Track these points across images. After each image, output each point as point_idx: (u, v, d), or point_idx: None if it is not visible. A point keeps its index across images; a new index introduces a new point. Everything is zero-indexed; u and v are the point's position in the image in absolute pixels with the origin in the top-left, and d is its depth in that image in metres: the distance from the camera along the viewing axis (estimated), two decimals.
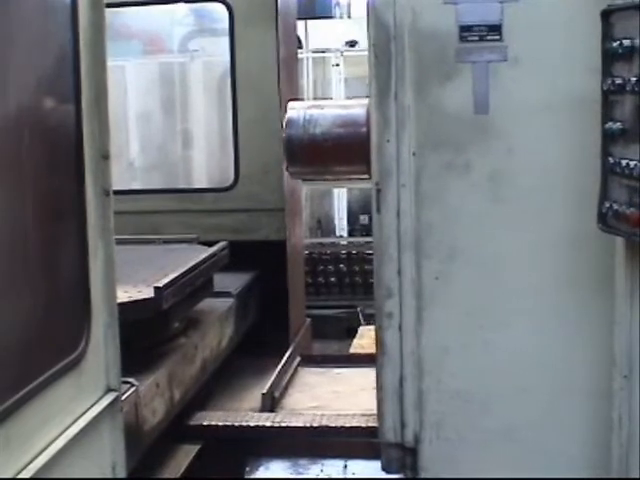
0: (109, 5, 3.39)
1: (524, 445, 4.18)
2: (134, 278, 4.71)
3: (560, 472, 4.14)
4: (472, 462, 4.24)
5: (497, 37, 4.03)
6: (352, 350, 7.64)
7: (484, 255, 4.14)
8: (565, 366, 4.12)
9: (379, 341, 4.29)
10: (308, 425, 5.00)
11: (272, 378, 5.55)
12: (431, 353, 4.22)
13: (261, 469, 4.94)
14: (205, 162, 8.44)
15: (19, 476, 2.67)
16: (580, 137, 3.98)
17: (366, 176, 4.67)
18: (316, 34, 13.24)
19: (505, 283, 4.15)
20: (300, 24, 10.30)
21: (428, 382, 4.23)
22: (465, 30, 4.04)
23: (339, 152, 4.76)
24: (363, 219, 13.17)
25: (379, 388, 4.33)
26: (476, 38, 4.04)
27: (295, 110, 4.85)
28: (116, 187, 3.41)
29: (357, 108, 4.80)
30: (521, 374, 4.17)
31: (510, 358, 4.17)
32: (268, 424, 5.04)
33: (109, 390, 3.36)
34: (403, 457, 4.30)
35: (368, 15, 4.16)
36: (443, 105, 4.10)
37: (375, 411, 5.22)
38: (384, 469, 4.37)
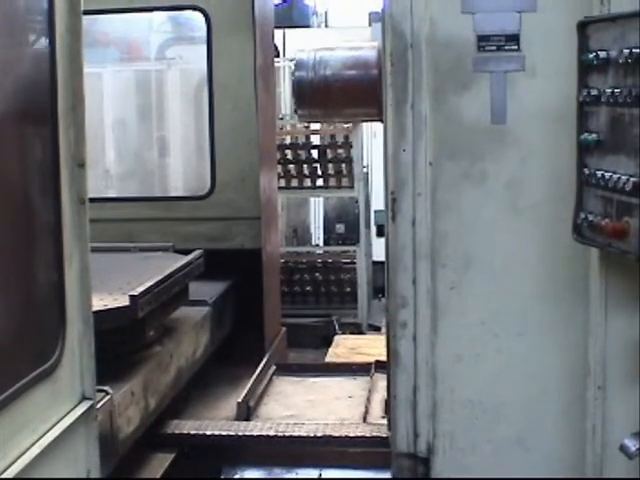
0: (86, 12, 3.38)
1: (538, 454, 4.17)
2: (109, 286, 4.69)
3: None
4: (485, 471, 4.21)
5: (515, 47, 4.02)
6: (327, 359, 7.65)
7: (499, 264, 4.13)
8: (582, 373, 4.07)
9: (392, 351, 4.26)
10: (283, 434, 5.00)
11: (247, 387, 5.55)
12: (445, 362, 4.20)
13: (236, 478, 4.93)
14: (181, 170, 8.43)
15: None
16: None
17: (376, 118, 4.56)
18: (293, 43, 13.25)
19: (520, 292, 4.13)
20: (278, 33, 10.31)
21: (442, 391, 4.21)
22: (483, 40, 4.03)
23: (349, 94, 4.66)
24: (339, 228, 13.15)
25: (392, 398, 4.30)
26: (494, 48, 4.03)
27: (305, 52, 4.76)
28: (92, 195, 3.40)
29: (367, 50, 4.71)
30: (534, 383, 4.15)
31: (524, 367, 4.15)
32: (243, 433, 5.03)
33: (84, 398, 3.35)
34: (414, 467, 4.27)
35: (383, 23, 4.14)
36: (460, 114, 4.08)
37: (351, 420, 5.26)
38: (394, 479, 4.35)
